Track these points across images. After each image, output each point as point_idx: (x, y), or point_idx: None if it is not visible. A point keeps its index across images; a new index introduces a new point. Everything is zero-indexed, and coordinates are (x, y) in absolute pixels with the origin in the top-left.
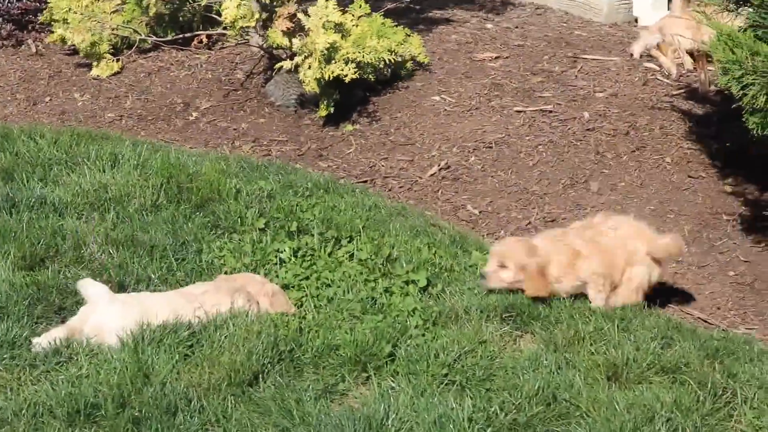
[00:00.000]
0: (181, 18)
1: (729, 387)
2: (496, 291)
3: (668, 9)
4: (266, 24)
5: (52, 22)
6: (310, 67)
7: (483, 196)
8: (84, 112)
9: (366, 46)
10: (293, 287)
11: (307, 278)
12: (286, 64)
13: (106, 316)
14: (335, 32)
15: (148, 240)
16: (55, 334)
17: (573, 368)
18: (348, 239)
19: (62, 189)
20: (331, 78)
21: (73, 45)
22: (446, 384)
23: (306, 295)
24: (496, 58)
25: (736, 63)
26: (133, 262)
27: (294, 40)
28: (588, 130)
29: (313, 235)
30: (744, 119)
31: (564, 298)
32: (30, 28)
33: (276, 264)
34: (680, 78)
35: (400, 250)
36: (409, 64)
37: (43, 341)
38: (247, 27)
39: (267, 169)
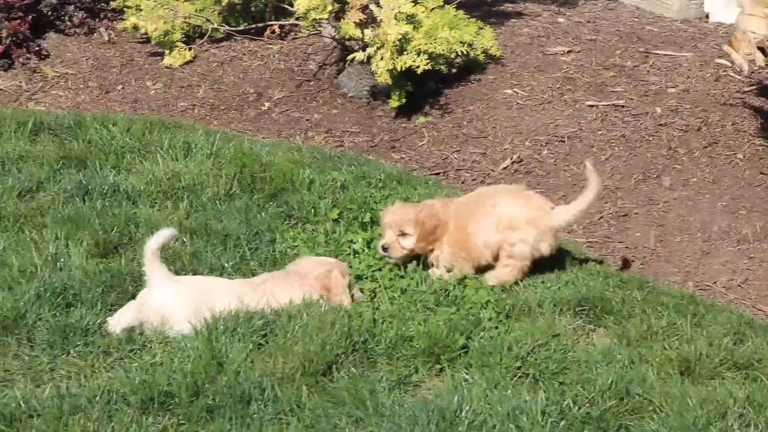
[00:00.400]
0: (253, 8)
1: None
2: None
3: (738, 6)
4: (338, 15)
5: (125, 9)
6: (382, 58)
7: (555, 189)
8: (156, 101)
9: (438, 37)
10: (367, 278)
11: (380, 269)
12: (359, 56)
13: (165, 297)
14: (407, 23)
15: (222, 229)
16: (120, 315)
17: (646, 363)
18: None
19: (135, 177)
20: (403, 69)
21: (146, 33)
22: (519, 377)
23: (379, 286)
24: (569, 52)
25: None
26: (207, 251)
27: (366, 31)
28: (660, 125)
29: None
30: None
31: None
32: (102, 15)
33: (349, 254)
34: (752, 74)
35: None
36: (481, 57)
37: (113, 322)
38: (320, 18)
39: (340, 159)
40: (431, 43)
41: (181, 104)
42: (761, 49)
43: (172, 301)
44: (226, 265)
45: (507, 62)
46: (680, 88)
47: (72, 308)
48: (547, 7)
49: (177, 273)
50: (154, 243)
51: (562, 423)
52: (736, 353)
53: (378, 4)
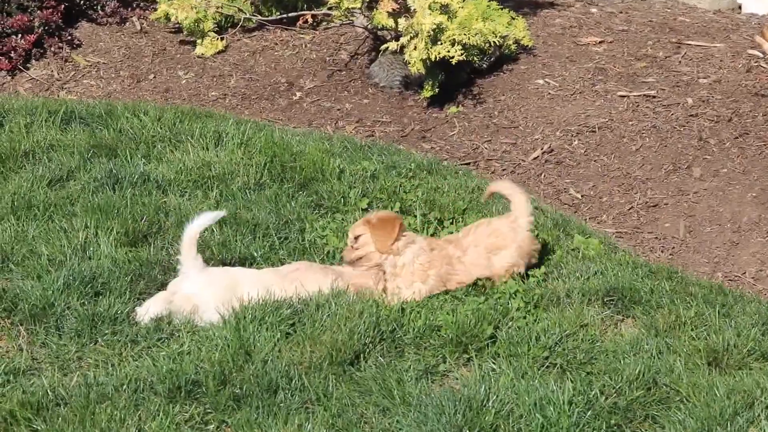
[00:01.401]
0: None
1: None
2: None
3: None
4: (371, 5)
5: None
6: (415, 48)
7: (586, 180)
8: (188, 90)
9: (472, 28)
10: None
11: None
12: (392, 45)
13: (194, 286)
14: (441, 13)
15: (251, 218)
16: (149, 305)
17: (674, 353)
18: (451, 221)
19: (165, 166)
20: (437, 59)
21: (178, 22)
22: (547, 367)
23: None
24: (600, 42)
25: None
26: (236, 240)
27: (399, 20)
28: (691, 116)
29: (416, 216)
30: None
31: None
32: (134, 5)
33: None
34: None
35: None
36: (513, 47)
37: (141, 311)
38: (353, 7)
39: (370, 149)
40: (465, 34)
41: (213, 94)
42: None
43: (204, 292)
44: (256, 254)
45: (539, 52)
46: (712, 78)
47: (100, 297)
48: None
49: (206, 262)
50: (195, 228)
51: (589, 413)
52: (764, 344)
53: None
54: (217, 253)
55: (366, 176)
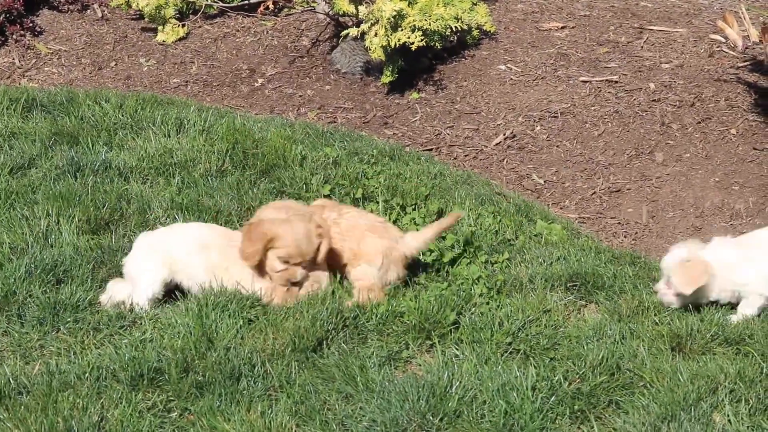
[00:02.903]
0: None
1: None
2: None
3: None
4: None
5: None
6: (376, 35)
7: (548, 165)
8: (149, 78)
9: (433, 13)
10: None
11: None
12: (353, 32)
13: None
14: (402, 0)
15: (213, 205)
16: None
17: (637, 338)
18: (413, 207)
19: (127, 153)
20: (397, 45)
21: (139, 9)
22: (510, 352)
23: None
24: (563, 27)
25: None
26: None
27: (360, 8)
28: (653, 101)
29: (378, 202)
30: None
31: None
32: None
33: None
34: (746, 50)
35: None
36: (475, 33)
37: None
38: None
39: (332, 136)
40: (426, 20)
41: (174, 81)
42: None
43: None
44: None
45: (501, 38)
46: (674, 63)
47: (62, 285)
48: None
49: None
50: None
51: (553, 399)
52: (727, 329)
53: None
54: None
55: (328, 163)
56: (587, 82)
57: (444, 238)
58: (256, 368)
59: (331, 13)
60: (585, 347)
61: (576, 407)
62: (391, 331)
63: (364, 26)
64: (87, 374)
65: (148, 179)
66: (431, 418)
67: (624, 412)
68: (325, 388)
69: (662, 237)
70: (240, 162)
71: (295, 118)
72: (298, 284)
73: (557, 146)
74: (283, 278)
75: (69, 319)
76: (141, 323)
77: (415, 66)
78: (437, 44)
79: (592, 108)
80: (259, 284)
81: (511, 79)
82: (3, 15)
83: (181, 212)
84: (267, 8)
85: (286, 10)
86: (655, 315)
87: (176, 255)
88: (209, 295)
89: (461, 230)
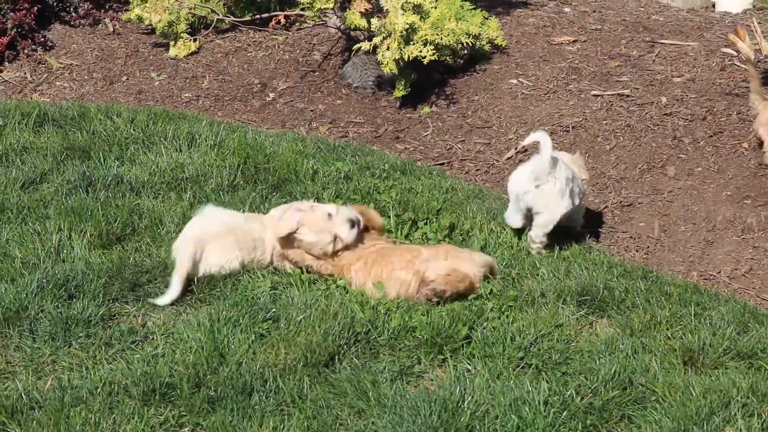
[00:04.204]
0: None
1: None
2: None
3: None
4: (344, 5)
5: (130, 0)
6: (388, 48)
7: None
8: (161, 92)
9: (444, 28)
10: None
11: None
12: (365, 45)
13: None
14: (414, 13)
15: None
16: None
17: (649, 353)
18: (425, 221)
19: (139, 168)
20: (410, 59)
21: (150, 24)
22: (522, 367)
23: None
24: (574, 41)
25: None
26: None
27: (372, 21)
28: (665, 115)
29: (389, 217)
30: None
31: None
32: (107, 6)
33: None
34: (758, 63)
35: (475, 232)
36: (486, 47)
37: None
38: (325, 8)
39: (344, 150)
40: (438, 34)
41: (186, 95)
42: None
43: None
44: None
45: (512, 52)
46: (686, 77)
47: (74, 300)
48: None
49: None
50: None
51: (565, 413)
52: (739, 343)
53: None
54: None
55: (339, 177)
56: (599, 96)
57: None
58: (268, 383)
59: (342, 27)
60: (597, 362)
61: (588, 422)
62: (403, 346)
63: (376, 40)
64: (99, 389)
65: (159, 194)
66: None
67: (636, 427)
68: (337, 403)
69: (674, 251)
70: (251, 176)
71: (307, 132)
72: None
73: None
74: None
75: (81, 334)
76: (153, 338)
77: (426, 80)
78: (448, 59)
79: (604, 122)
80: None
81: (523, 93)
82: (14, 29)
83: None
84: (278, 23)
85: (297, 24)
86: (667, 329)
87: None
88: (221, 310)
89: (474, 245)
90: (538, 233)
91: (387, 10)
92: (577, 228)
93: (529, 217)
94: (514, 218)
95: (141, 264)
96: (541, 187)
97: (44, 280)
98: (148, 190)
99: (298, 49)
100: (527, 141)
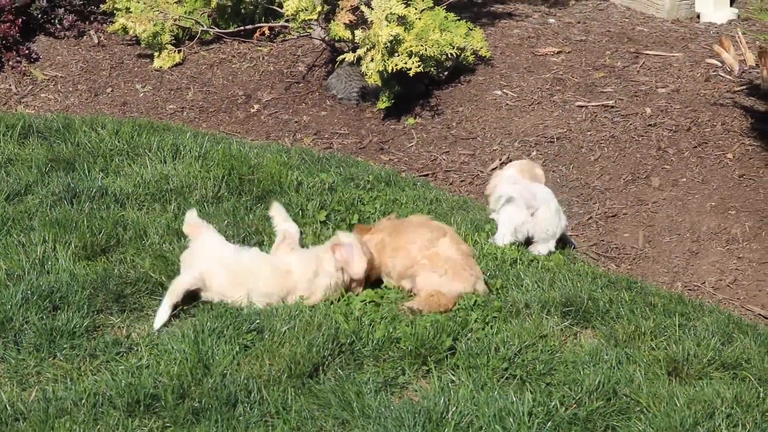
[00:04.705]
0: (242, 10)
1: None
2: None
3: (730, 5)
4: (328, 16)
5: (115, 11)
6: (372, 60)
7: None
8: (145, 104)
9: (429, 39)
10: None
11: None
12: (349, 57)
13: None
14: (398, 25)
15: None
16: None
17: (633, 363)
18: None
19: (123, 179)
20: (394, 71)
21: (135, 35)
22: (506, 378)
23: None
24: (558, 52)
25: None
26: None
27: (356, 33)
28: (650, 125)
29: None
30: None
31: None
32: (92, 18)
33: None
34: (742, 74)
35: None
36: (471, 58)
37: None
38: (309, 19)
39: (328, 161)
40: (422, 46)
41: (170, 107)
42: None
43: None
44: None
45: (497, 63)
46: (670, 88)
47: (59, 311)
48: (538, 8)
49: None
50: None
51: (549, 424)
52: (724, 353)
53: (369, 6)
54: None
55: (324, 188)
56: (583, 107)
57: None
58: (253, 394)
59: (327, 38)
60: (581, 372)
61: None
62: (387, 357)
63: (360, 51)
64: (84, 401)
65: (144, 205)
66: None
67: None
68: (321, 414)
69: (658, 262)
70: (236, 188)
71: (291, 143)
72: None
73: (553, 171)
74: None
75: (65, 346)
76: (137, 349)
77: (411, 91)
78: (433, 70)
79: (588, 133)
80: None
81: (507, 104)
82: None
83: (177, 238)
84: (263, 34)
85: (282, 35)
86: (651, 340)
87: None
88: (205, 321)
89: None
90: (543, 250)
91: (371, 21)
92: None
93: (527, 240)
94: (507, 240)
95: (125, 275)
96: (536, 214)
97: (29, 292)
98: (132, 201)
99: (282, 60)
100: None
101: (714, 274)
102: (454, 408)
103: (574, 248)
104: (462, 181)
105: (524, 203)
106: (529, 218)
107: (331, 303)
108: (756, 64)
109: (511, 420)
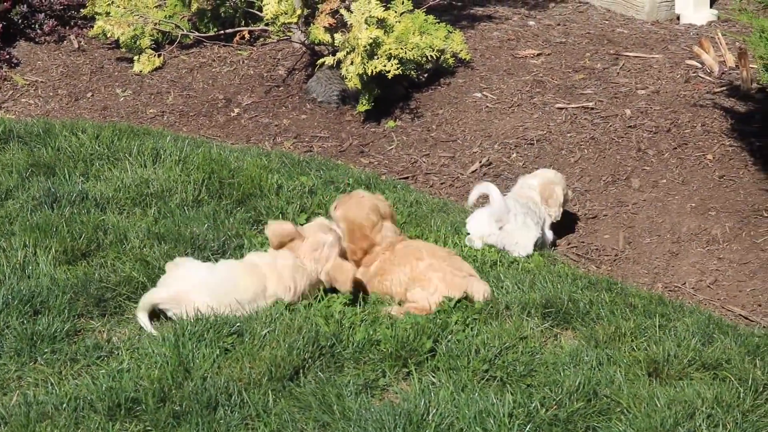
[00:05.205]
0: (222, 14)
1: None
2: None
3: (710, 7)
4: (308, 20)
5: (95, 16)
6: (352, 63)
7: None
8: (126, 108)
9: (408, 42)
10: None
11: None
12: (328, 60)
13: None
14: (378, 28)
15: (190, 235)
16: None
17: (614, 364)
18: None
19: (104, 184)
20: (373, 73)
21: (115, 39)
22: (487, 379)
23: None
24: (538, 55)
25: None
26: (174, 257)
27: (336, 36)
28: (630, 127)
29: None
30: None
31: None
32: (72, 23)
33: None
34: (722, 75)
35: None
36: (451, 61)
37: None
38: (289, 23)
39: (308, 164)
40: (402, 48)
41: (151, 111)
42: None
43: None
44: None
45: (477, 66)
46: (650, 89)
47: (39, 316)
48: (518, 10)
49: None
50: None
51: (530, 425)
52: (704, 354)
53: (348, 9)
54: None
55: (304, 192)
56: (563, 108)
57: None
58: (233, 397)
59: (306, 42)
60: (562, 373)
61: None
62: (367, 359)
63: (339, 54)
64: (65, 405)
65: (124, 210)
66: None
67: None
68: (302, 416)
69: (639, 263)
70: (216, 191)
71: (271, 147)
72: None
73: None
74: None
75: (46, 350)
76: (118, 353)
77: (391, 94)
78: (413, 72)
79: (568, 135)
80: None
81: (487, 106)
82: None
83: (158, 242)
84: (243, 38)
85: (261, 39)
86: (632, 341)
87: None
88: (186, 325)
89: None
90: (522, 252)
91: (351, 24)
92: (548, 248)
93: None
94: (476, 246)
95: (106, 279)
96: (504, 227)
97: (9, 296)
98: (113, 206)
99: (262, 64)
100: (473, 197)
101: (694, 274)
102: (435, 410)
103: (554, 249)
104: (442, 183)
105: (495, 216)
106: (496, 231)
107: (311, 305)
108: (736, 66)
109: (492, 421)
